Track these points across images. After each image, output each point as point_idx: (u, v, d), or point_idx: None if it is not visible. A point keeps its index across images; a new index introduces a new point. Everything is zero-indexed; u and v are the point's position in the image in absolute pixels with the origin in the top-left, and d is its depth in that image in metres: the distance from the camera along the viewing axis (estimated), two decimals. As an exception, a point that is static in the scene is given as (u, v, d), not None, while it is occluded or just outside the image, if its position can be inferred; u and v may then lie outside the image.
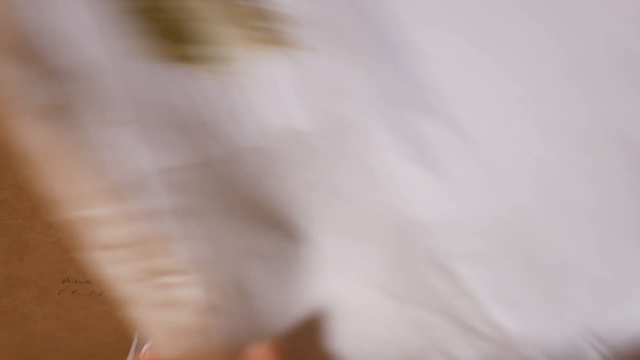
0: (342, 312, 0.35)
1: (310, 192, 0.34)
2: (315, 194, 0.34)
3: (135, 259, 0.32)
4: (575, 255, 0.33)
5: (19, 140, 0.30)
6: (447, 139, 0.33)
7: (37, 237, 0.59)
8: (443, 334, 0.34)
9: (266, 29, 0.32)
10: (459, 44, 0.33)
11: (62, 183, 0.31)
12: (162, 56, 0.32)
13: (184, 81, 0.32)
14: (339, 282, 0.34)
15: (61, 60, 0.30)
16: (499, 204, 0.33)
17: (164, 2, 0.32)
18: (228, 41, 0.32)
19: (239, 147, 0.33)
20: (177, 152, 0.32)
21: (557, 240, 0.33)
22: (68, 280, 0.56)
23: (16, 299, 0.56)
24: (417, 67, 0.33)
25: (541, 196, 0.33)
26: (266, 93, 0.33)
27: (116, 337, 0.53)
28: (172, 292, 0.32)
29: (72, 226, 0.31)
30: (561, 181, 0.33)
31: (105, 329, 0.54)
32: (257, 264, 0.33)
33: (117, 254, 0.32)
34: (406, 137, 0.33)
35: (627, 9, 0.33)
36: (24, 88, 0.30)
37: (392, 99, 0.33)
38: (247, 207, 0.33)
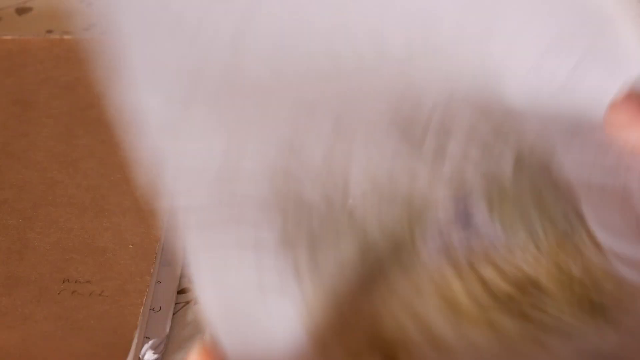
0: None
1: None
2: None
3: None
4: None
5: None
6: None
7: (37, 237, 0.59)
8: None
9: None
10: None
11: None
12: None
13: None
14: None
15: None
16: None
17: None
18: None
19: None
20: None
21: None
22: (68, 280, 0.56)
23: (16, 299, 0.56)
24: None
25: None
26: None
27: (116, 337, 0.53)
28: None
29: None
30: None
31: (105, 329, 0.54)
32: None
33: None
34: None
35: None
36: None
37: None
38: None
